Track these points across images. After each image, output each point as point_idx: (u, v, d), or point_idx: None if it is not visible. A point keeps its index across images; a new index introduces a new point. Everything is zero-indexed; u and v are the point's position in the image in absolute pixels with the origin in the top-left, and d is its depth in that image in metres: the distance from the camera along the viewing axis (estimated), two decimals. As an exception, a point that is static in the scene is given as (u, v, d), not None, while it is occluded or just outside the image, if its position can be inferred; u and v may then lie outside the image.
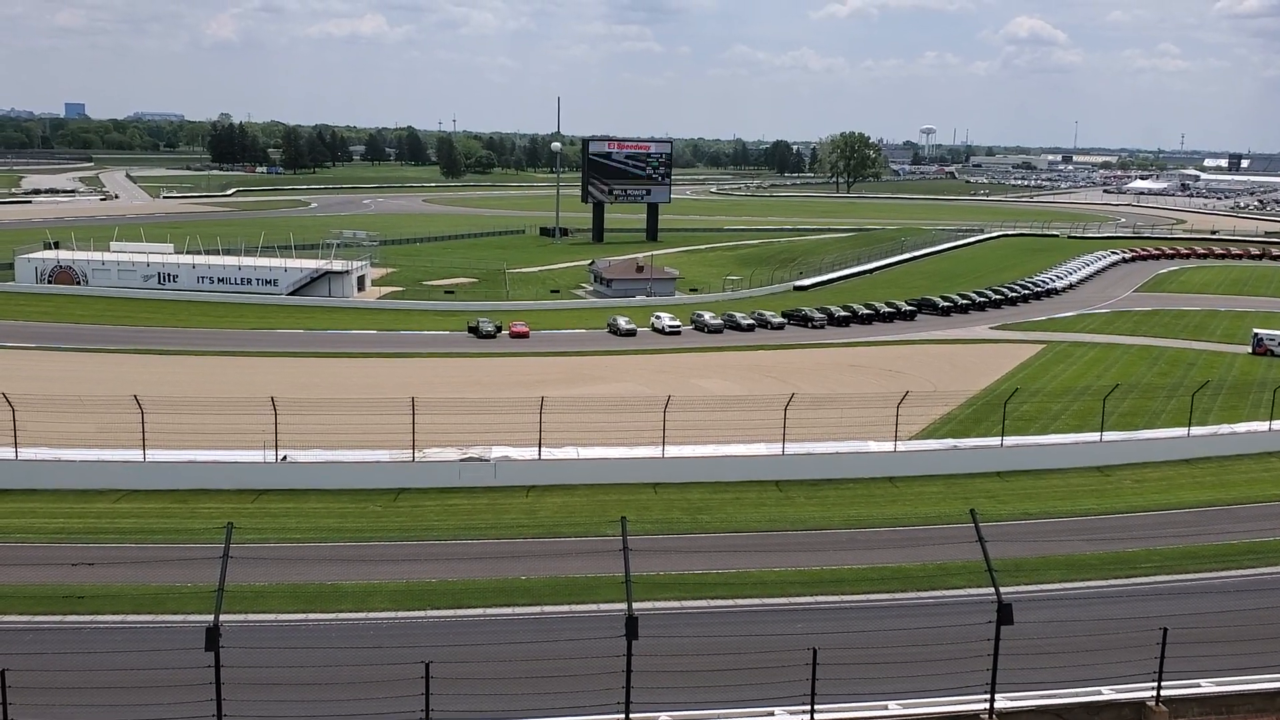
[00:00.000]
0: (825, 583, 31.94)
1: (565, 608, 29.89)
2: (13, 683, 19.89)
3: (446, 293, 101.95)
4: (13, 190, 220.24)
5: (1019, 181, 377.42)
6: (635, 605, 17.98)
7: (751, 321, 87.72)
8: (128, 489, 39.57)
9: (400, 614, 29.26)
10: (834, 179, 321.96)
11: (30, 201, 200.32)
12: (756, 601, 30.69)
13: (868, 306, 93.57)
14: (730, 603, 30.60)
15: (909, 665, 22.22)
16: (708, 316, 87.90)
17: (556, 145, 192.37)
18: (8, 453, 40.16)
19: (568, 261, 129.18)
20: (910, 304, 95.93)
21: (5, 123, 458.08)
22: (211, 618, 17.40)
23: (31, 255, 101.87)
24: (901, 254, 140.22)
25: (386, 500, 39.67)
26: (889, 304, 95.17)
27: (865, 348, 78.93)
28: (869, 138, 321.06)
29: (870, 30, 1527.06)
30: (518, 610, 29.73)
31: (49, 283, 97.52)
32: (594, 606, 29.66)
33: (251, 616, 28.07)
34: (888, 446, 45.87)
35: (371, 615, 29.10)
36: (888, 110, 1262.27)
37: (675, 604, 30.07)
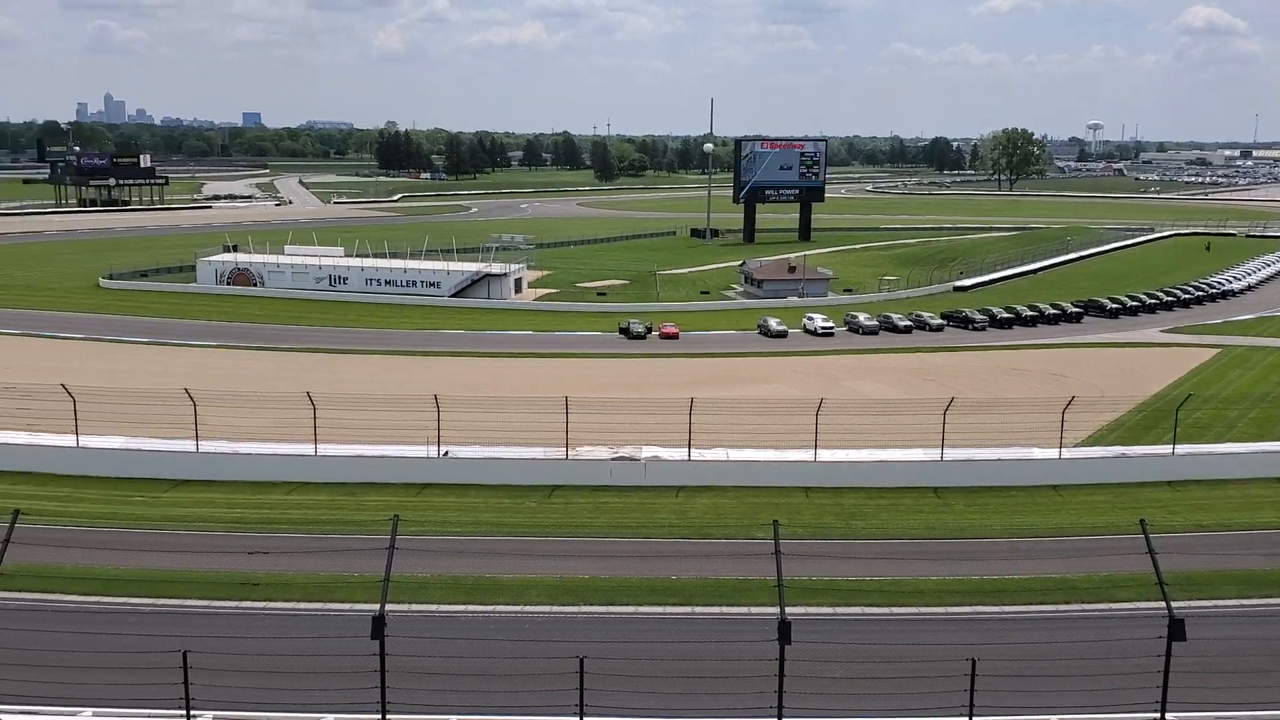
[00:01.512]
0: (985, 592, 31.07)
1: (716, 609, 29.90)
2: (193, 664, 21.11)
3: (599, 294, 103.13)
4: (194, 196, 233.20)
5: (1192, 178, 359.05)
6: (787, 609, 17.87)
7: (909, 323, 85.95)
8: (300, 481, 41.43)
9: (555, 608, 29.77)
10: (995, 176, 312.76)
11: (210, 207, 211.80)
12: (913, 610, 30.06)
13: (1031, 308, 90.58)
14: (885, 610, 30.07)
15: (1073, 680, 21.45)
16: (862, 318, 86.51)
17: (709, 146, 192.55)
18: (190, 445, 42.57)
19: (718, 263, 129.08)
20: (1076, 305, 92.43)
21: (188, 132, 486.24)
22: (378, 607, 18.04)
23: (212, 258, 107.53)
24: (1067, 254, 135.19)
25: (541, 496, 40.44)
26: (1054, 305, 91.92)
27: (1028, 351, 76.38)
28: (1032, 134, 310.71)
29: (1033, 24, 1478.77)
30: (669, 610, 29.88)
31: (228, 284, 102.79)
32: (745, 609, 29.60)
33: (414, 606, 28.99)
34: (1052, 453, 44.30)
35: (528, 608, 29.71)
36: (1052, 106, 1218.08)
37: (828, 610, 29.73)
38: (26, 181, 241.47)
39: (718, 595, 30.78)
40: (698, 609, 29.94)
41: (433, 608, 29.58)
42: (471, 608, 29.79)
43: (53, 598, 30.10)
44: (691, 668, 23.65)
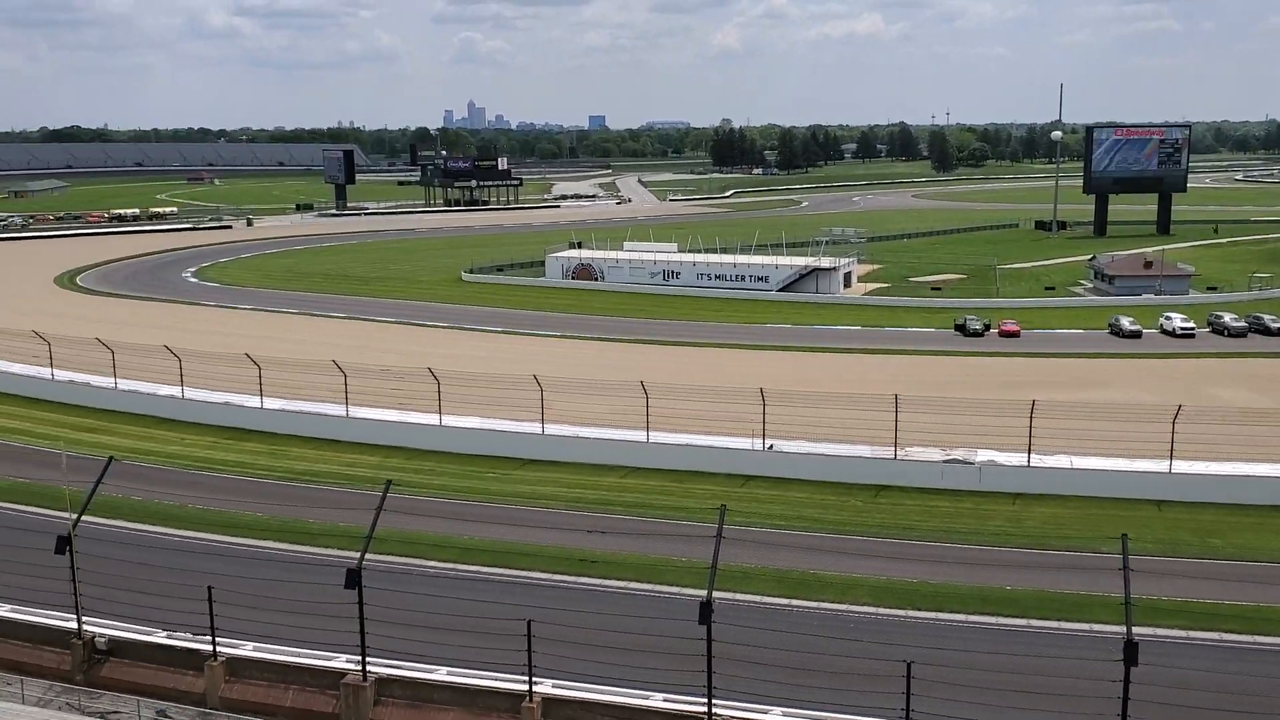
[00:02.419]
0: (1371, 629, 27.60)
1: (1053, 624, 28.41)
2: (535, 632, 22.59)
3: (933, 289, 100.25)
4: (544, 196, 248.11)
5: None
6: (1134, 629, 16.71)
7: (1282, 325, 77.51)
8: (632, 466, 43.26)
9: (880, 610, 29.41)
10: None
11: (558, 206, 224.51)
12: (1280, 641, 27.22)
13: None
14: (1248, 639, 27.39)
15: None
16: (1228, 318, 78.89)
17: (1057, 134, 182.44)
18: (536, 428, 45.49)
19: (1065, 257, 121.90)
20: None
21: (540, 136, 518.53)
22: (705, 593, 18.54)
23: (558, 254, 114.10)
24: None
25: (867, 495, 39.96)
26: None
27: None
28: None
29: None
30: (1001, 620, 28.73)
31: (571, 278, 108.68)
32: (1085, 626, 27.95)
33: (739, 596, 29.56)
34: None
35: (852, 608, 29.52)
36: None
37: (1180, 633, 27.48)
38: (401, 183, 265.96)
39: (1056, 609, 29.23)
40: (1033, 622, 28.57)
41: (756, 598, 30.03)
42: (795, 602, 29.98)
43: (416, 562, 33.18)
44: (1025, 682, 22.61)
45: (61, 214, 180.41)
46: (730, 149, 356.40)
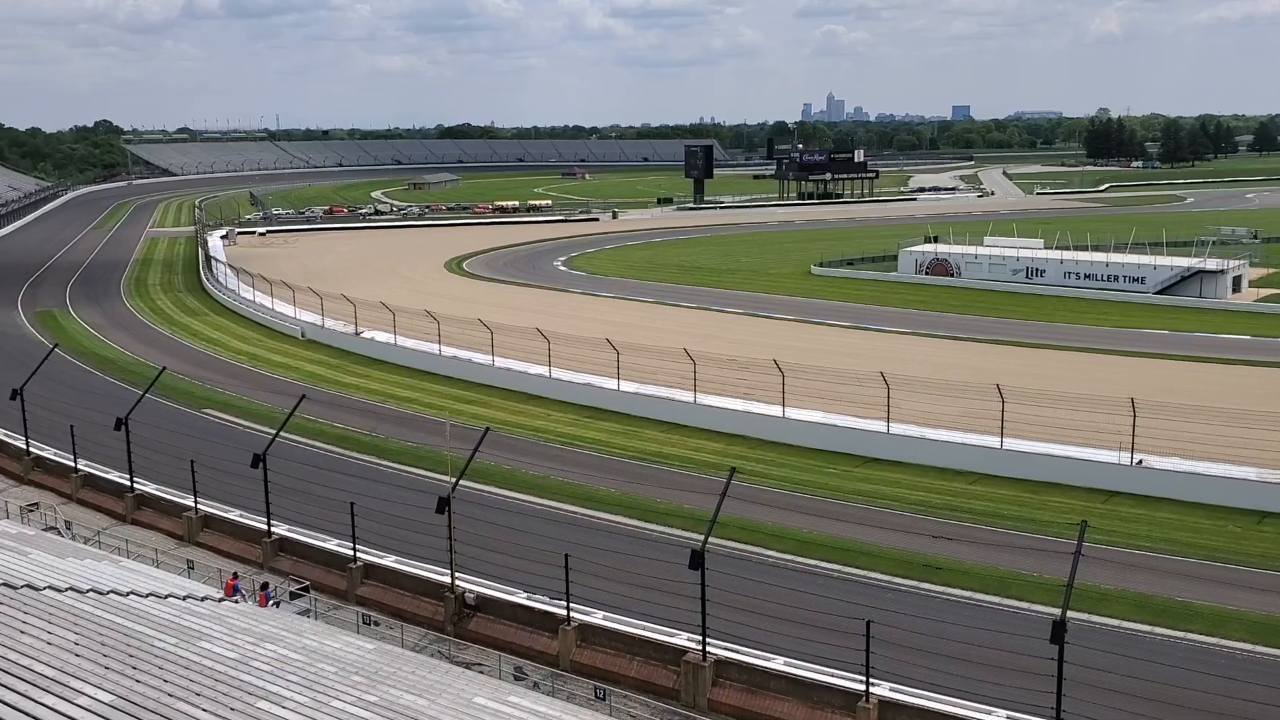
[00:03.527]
0: None
1: None
2: (874, 634, 22.37)
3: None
4: (901, 188, 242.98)
5: None
6: None
7: None
8: (983, 473, 41.55)
9: (1258, 648, 26.69)
10: None
11: (915, 199, 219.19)
12: None
13: None
14: None
15: None
16: None
17: None
18: (881, 425, 44.76)
19: None
20: None
21: (899, 127, 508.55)
22: (1059, 611, 17.63)
23: (913, 248, 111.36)
24: None
25: (1248, 522, 36.24)
26: None
27: None
28: None
29: None
30: None
31: (925, 274, 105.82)
32: None
33: (1095, 618, 27.82)
34: None
35: (1225, 643, 26.98)
36: None
37: None
38: (756, 177, 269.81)
39: None
40: None
41: (1114, 622, 28.12)
42: (1159, 630, 27.80)
43: (755, 550, 33.75)
44: None
45: (452, 204, 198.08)
46: (1106, 140, 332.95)
